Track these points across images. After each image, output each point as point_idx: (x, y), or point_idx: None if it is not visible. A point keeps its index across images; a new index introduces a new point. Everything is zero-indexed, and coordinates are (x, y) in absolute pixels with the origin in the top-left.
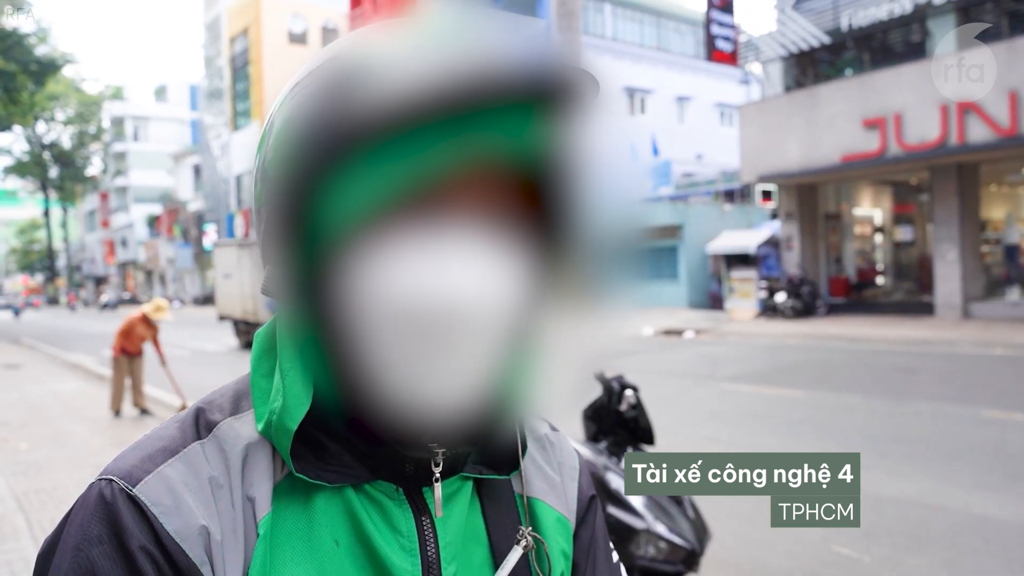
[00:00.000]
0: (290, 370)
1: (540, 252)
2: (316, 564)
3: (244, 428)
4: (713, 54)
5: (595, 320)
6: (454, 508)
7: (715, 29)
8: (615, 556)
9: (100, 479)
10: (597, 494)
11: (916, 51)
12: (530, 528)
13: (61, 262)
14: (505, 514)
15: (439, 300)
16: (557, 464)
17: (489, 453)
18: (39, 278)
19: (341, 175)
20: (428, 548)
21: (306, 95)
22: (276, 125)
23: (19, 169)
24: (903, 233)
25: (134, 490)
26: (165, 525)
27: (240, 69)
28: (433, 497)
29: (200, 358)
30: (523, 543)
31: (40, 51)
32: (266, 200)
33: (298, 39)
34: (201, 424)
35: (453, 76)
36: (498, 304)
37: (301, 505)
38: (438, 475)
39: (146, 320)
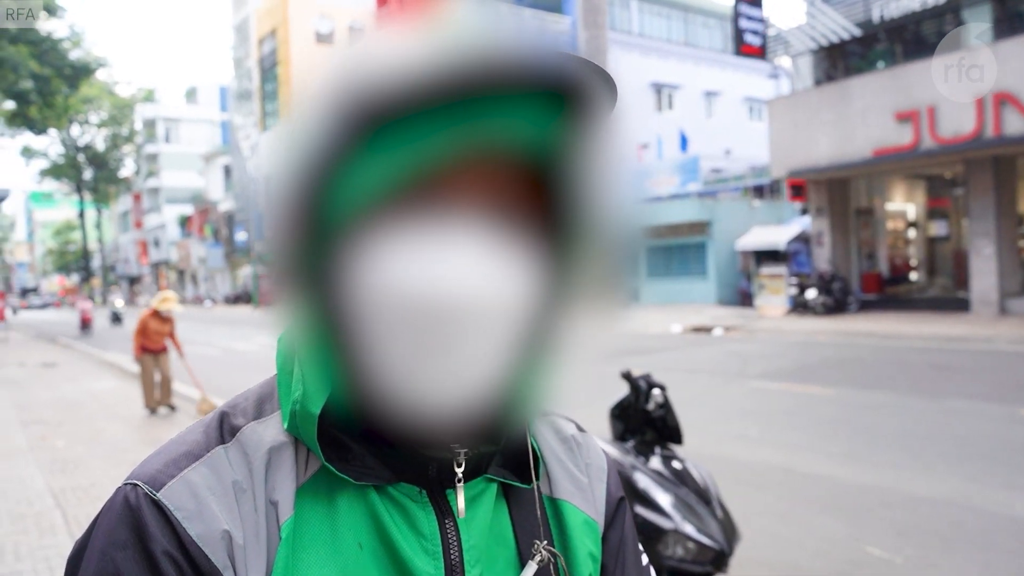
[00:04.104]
0: (307, 359)
1: (552, 248)
2: (339, 567)
3: (267, 432)
4: (741, 48)
5: (612, 317)
6: (478, 510)
7: (743, 23)
8: (645, 559)
9: (126, 484)
10: (625, 494)
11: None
12: (545, 542)
13: (96, 263)
14: (532, 515)
15: (442, 294)
16: (585, 465)
17: (513, 456)
18: (75, 278)
19: (348, 162)
20: (451, 551)
21: (330, 92)
22: (296, 125)
23: (54, 171)
24: (937, 228)
25: (158, 495)
26: (188, 530)
27: (269, 70)
28: (456, 499)
29: (231, 357)
30: (537, 558)
31: (74, 55)
32: (278, 191)
33: (325, 39)
34: (225, 428)
35: (461, 62)
36: (504, 300)
37: (324, 508)
38: (461, 476)
39: (157, 314)
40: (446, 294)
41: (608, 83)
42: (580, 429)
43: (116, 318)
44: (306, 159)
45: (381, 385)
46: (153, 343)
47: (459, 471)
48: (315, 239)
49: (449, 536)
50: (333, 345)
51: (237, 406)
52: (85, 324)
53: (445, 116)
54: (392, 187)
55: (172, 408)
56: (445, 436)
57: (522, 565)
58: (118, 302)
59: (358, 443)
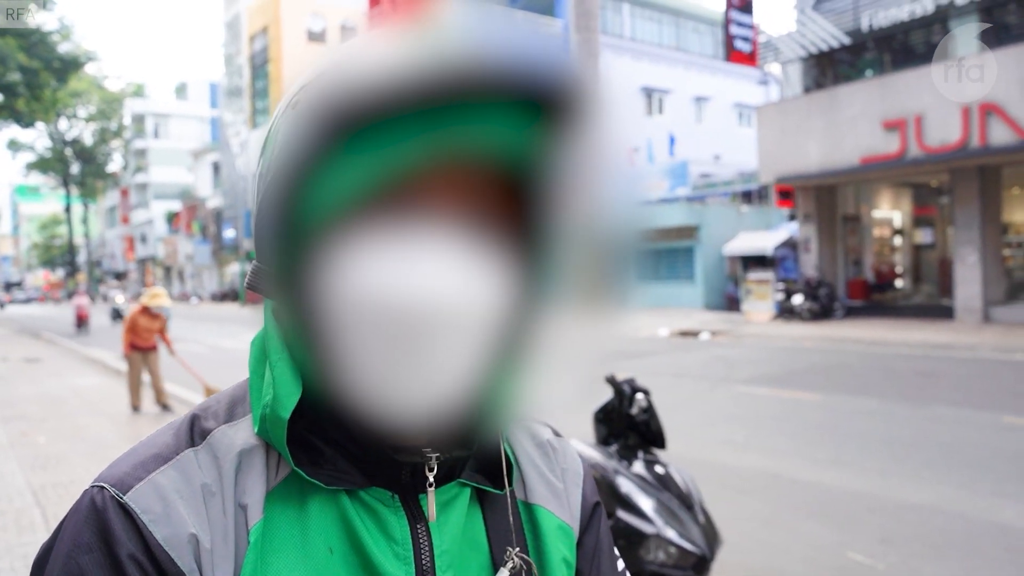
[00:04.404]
0: (278, 362)
1: (531, 254)
2: (309, 571)
3: (238, 435)
4: (732, 54)
5: (594, 323)
6: (451, 515)
7: (734, 29)
8: (620, 564)
9: (93, 486)
10: (607, 498)
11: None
12: (518, 549)
13: (82, 257)
14: (506, 521)
15: (414, 299)
16: (561, 471)
17: (487, 461)
18: (60, 273)
19: (324, 165)
20: (423, 556)
21: (308, 97)
22: (280, 129)
23: (41, 165)
24: (923, 236)
25: (124, 497)
26: (154, 533)
27: (259, 67)
28: (428, 503)
29: (218, 355)
30: (509, 564)
31: (63, 48)
32: (257, 195)
33: (317, 37)
34: (195, 431)
35: (440, 70)
36: (477, 306)
37: (295, 512)
38: (432, 480)
39: (147, 311)
40: (418, 299)
41: (590, 91)
42: (556, 434)
43: (117, 315)
44: (284, 159)
45: (353, 389)
46: (143, 340)
47: (430, 476)
48: (289, 241)
49: (421, 541)
50: (305, 348)
51: (208, 409)
52: (81, 321)
53: (422, 122)
54: (366, 191)
55: (167, 408)
56: (417, 440)
57: (495, 570)
58: (119, 298)
59: (330, 447)
